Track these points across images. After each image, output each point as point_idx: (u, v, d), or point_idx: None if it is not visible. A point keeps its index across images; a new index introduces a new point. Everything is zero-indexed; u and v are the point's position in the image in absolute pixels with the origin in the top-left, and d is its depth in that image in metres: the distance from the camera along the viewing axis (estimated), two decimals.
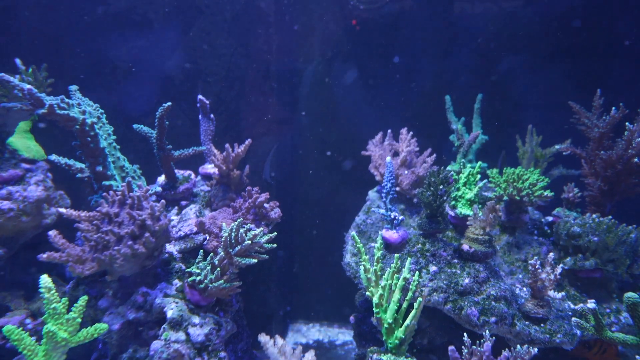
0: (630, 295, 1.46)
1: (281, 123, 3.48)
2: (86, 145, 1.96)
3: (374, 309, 1.76)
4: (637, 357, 1.55)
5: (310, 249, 3.66)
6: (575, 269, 2.17)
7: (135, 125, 2.31)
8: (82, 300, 1.59)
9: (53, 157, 2.05)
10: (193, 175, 2.48)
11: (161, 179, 2.42)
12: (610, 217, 2.17)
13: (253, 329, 2.36)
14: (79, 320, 1.57)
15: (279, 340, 1.70)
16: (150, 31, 3.08)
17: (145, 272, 1.82)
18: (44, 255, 1.67)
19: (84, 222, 1.77)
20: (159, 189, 2.22)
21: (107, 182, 2.02)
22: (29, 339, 1.52)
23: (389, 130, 2.74)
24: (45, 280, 1.54)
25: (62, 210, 1.76)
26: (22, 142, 2.47)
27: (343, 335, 3.55)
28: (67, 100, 1.90)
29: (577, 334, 1.98)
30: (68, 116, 1.86)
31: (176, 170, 2.42)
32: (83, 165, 2.09)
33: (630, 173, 2.36)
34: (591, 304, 1.55)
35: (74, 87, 2.10)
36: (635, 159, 2.28)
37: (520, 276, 2.24)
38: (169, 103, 2.17)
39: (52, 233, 1.73)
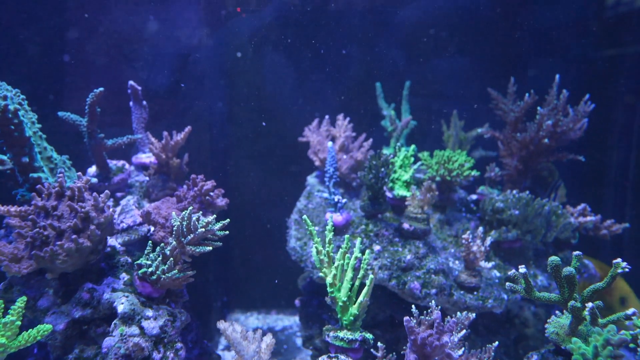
0: (553, 258, 1.65)
1: (212, 111, 3.40)
2: (9, 134, 1.78)
3: (328, 288, 1.82)
4: (556, 312, 1.76)
5: (246, 238, 3.64)
6: (500, 240, 2.40)
7: (60, 113, 2.14)
8: (21, 301, 1.46)
9: None
10: (127, 165, 2.36)
11: (92, 169, 2.28)
12: (527, 192, 2.42)
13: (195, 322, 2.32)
14: (19, 323, 1.44)
15: (237, 326, 1.70)
16: (72, 13, 2.84)
17: (88, 267, 1.71)
18: None
19: (15, 217, 1.62)
20: (95, 180, 2.08)
21: (34, 174, 1.86)
22: None
23: (326, 116, 2.80)
24: None
25: None
26: None
27: (282, 321, 3.60)
28: None
29: (504, 298, 2.20)
30: None
31: (108, 160, 2.28)
32: (4, 157, 1.90)
33: (541, 153, 2.65)
34: (522, 268, 1.73)
35: None
36: (546, 140, 2.56)
37: (453, 250, 2.43)
38: (101, 89, 2.04)
39: None
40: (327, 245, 1.87)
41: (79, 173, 1.79)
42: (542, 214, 2.35)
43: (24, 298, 1.46)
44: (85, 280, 1.70)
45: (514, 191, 2.44)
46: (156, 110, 2.89)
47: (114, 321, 1.59)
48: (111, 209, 1.69)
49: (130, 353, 1.43)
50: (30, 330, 1.47)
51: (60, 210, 1.59)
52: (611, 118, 3.42)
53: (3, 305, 1.43)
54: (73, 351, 1.62)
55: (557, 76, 2.61)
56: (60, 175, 1.66)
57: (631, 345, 1.48)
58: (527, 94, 2.64)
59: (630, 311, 1.50)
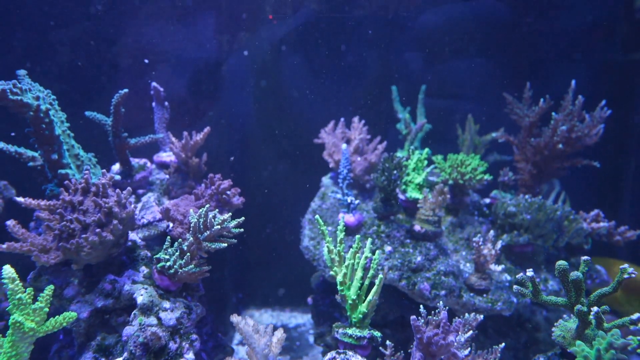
0: (561, 262, 1.68)
1: (230, 113, 3.49)
2: (41, 132, 1.89)
3: (338, 287, 1.87)
4: (564, 316, 1.77)
5: (261, 237, 3.71)
6: (511, 244, 2.42)
7: (87, 113, 2.25)
8: (49, 289, 1.56)
9: (1, 144, 1.95)
10: (149, 164, 2.45)
11: (115, 167, 2.38)
12: (540, 197, 2.43)
13: (210, 315, 2.40)
14: (47, 309, 1.54)
15: (249, 320, 1.77)
16: (94, 15, 2.96)
17: (111, 260, 1.81)
18: (4, 246, 1.62)
19: (44, 210, 1.73)
20: (118, 177, 2.18)
21: (62, 171, 1.96)
22: None
23: (342, 119, 2.86)
24: (8, 270, 1.50)
25: (20, 199, 1.70)
26: None
27: (295, 319, 3.66)
28: (19, 85, 1.82)
29: (514, 301, 2.22)
30: (22, 102, 1.79)
31: (131, 159, 2.38)
32: (35, 154, 2.01)
33: (555, 158, 2.66)
34: (529, 272, 1.76)
35: (22, 72, 2.00)
36: (560, 145, 2.57)
37: (464, 253, 2.46)
38: (126, 90, 2.14)
39: (11, 223, 1.67)
40: (338, 244, 1.92)
41: (104, 170, 1.89)
42: (554, 219, 2.36)
43: (52, 287, 1.55)
44: (107, 272, 1.79)
45: (527, 195, 2.45)
46: (177, 112, 2.99)
47: (134, 311, 1.68)
48: (133, 205, 1.78)
49: (149, 342, 1.51)
50: (57, 316, 1.56)
51: (85, 205, 1.69)
52: (631, 123, 3.39)
53: (32, 293, 1.53)
54: (95, 338, 1.72)
55: (572, 82, 2.61)
56: (86, 172, 1.76)
57: (638, 351, 1.50)
58: (542, 99, 2.65)
59: (635, 316, 1.52)
